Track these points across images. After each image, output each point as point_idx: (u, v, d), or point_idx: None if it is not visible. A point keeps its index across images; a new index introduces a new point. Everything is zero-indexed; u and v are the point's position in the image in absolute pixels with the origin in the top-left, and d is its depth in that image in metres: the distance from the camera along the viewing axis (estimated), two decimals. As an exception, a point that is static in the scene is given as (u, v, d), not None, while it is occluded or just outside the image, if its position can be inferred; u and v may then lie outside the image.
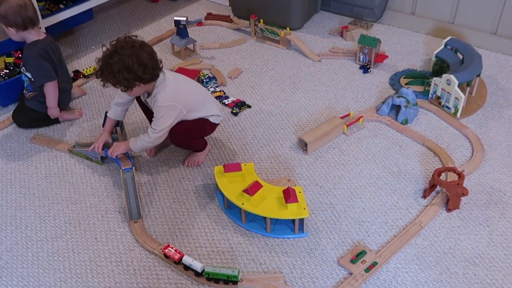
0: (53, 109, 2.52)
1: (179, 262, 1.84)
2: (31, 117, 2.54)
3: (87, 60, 3.14)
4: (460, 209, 2.03)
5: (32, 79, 2.46)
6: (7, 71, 2.76)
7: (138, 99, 2.25)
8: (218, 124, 2.28)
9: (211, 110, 2.20)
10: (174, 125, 2.11)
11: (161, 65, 2.03)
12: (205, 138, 2.32)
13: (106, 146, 2.28)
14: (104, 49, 1.99)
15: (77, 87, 2.82)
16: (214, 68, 2.98)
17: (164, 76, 2.05)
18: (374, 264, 1.82)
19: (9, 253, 1.96)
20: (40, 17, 2.58)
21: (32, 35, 2.41)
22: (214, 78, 2.89)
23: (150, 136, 2.09)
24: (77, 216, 2.10)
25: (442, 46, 2.74)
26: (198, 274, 1.80)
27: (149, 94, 2.10)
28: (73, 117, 2.63)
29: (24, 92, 2.57)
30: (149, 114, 2.25)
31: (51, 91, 2.47)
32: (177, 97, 2.06)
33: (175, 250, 1.86)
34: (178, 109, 2.06)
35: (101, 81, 2.01)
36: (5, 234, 2.03)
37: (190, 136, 2.19)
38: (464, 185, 2.00)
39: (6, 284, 1.84)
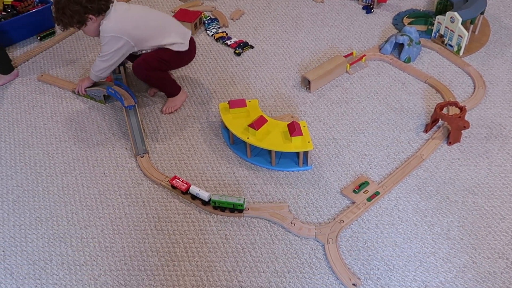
0: None
1: (186, 192, 1.89)
2: None
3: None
4: (460, 143, 2.07)
5: None
6: (5, 13, 2.74)
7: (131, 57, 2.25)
8: (185, 52, 2.21)
9: (171, 38, 2.16)
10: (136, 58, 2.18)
11: None
12: (182, 89, 2.32)
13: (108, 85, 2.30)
14: None
15: None
16: (216, 9, 2.95)
17: (113, 7, 2.09)
18: (376, 193, 1.88)
19: (20, 187, 2.01)
20: None
21: None
22: (216, 19, 2.87)
23: (96, 62, 2.18)
24: (84, 153, 2.13)
25: (447, -15, 2.71)
26: (205, 203, 1.86)
27: None
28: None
29: None
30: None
31: None
32: (121, 27, 2.08)
33: (182, 181, 1.90)
34: (123, 40, 2.09)
35: (58, 25, 2.09)
36: (15, 170, 2.07)
37: (150, 66, 2.15)
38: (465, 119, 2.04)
39: (19, 217, 1.90)
